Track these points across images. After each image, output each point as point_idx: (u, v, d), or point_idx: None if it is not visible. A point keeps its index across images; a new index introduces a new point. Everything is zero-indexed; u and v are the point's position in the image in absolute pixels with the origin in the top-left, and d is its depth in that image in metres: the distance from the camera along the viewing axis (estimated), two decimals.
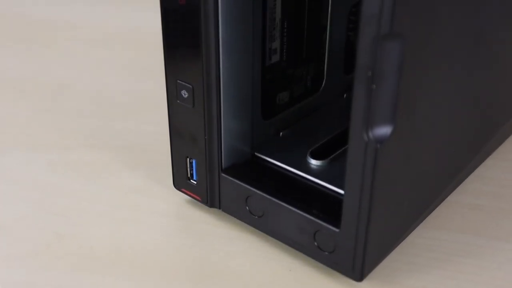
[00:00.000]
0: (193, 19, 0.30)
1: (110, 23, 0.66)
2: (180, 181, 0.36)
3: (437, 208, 0.37)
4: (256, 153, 0.35)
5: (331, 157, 0.35)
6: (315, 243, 0.31)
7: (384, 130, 0.26)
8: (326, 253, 0.31)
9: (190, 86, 0.32)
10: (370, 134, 0.25)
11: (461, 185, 0.39)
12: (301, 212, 0.31)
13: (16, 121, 0.47)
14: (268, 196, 0.32)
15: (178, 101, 0.33)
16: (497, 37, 0.34)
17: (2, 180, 0.40)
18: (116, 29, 0.64)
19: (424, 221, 0.36)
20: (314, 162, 0.34)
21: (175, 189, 0.37)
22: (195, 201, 0.36)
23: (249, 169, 0.34)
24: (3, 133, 0.46)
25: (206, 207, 0.36)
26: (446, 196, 0.38)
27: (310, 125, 0.38)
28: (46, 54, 0.59)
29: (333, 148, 0.35)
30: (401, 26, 0.23)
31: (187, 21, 0.30)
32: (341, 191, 0.31)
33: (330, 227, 0.30)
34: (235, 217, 0.35)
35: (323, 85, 0.40)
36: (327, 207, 0.31)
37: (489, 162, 0.41)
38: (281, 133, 0.37)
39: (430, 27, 0.26)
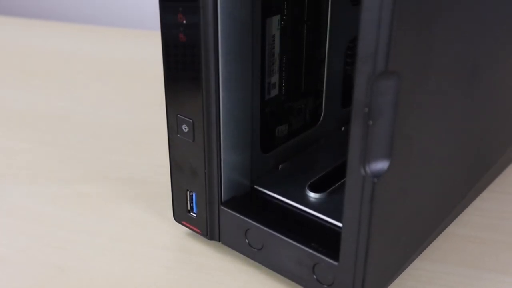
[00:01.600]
0: (194, 55, 0.31)
1: (110, 56, 0.67)
2: (180, 214, 0.37)
3: (435, 241, 0.37)
4: (255, 186, 0.36)
5: (329, 190, 0.35)
6: (314, 276, 0.31)
7: (380, 165, 0.26)
8: (325, 286, 0.31)
9: (191, 121, 0.32)
10: (367, 169, 0.26)
11: (459, 217, 0.39)
12: (300, 245, 0.31)
13: (16, 153, 0.48)
14: (267, 229, 0.32)
15: (178, 135, 0.34)
16: (492, 74, 0.35)
17: (2, 212, 0.41)
18: (116, 61, 0.65)
19: (423, 253, 0.36)
20: (312, 195, 0.35)
21: (175, 221, 0.37)
22: (195, 233, 0.37)
23: (248, 202, 0.35)
24: (3, 165, 0.46)
25: (206, 240, 0.36)
26: (444, 229, 0.38)
27: (309, 158, 0.39)
28: (46, 86, 0.60)
29: (332, 181, 0.36)
30: (396, 64, 0.24)
31: (187, 57, 0.31)
32: (340, 224, 0.31)
33: (329, 260, 0.30)
34: (235, 249, 0.35)
35: (321, 118, 0.40)
36: (326, 240, 0.31)
37: (486, 194, 0.42)
38: (280, 166, 0.38)
39: (425, 64, 0.27)
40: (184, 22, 0.30)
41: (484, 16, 0.31)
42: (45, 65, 0.65)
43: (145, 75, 0.61)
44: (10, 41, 0.71)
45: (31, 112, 0.54)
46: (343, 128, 0.42)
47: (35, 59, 0.66)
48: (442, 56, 0.28)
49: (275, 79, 0.36)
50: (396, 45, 0.24)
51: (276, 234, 0.32)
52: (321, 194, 0.35)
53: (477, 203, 0.41)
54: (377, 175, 0.26)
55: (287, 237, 0.32)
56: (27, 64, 0.65)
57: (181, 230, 0.38)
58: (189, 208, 0.36)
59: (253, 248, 0.34)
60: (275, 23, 0.35)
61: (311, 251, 0.31)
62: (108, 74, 0.62)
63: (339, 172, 0.36)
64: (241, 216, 0.33)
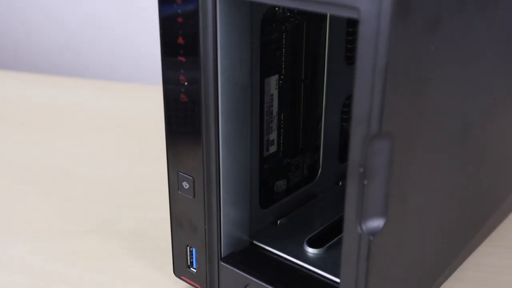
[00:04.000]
0: (194, 115, 0.32)
1: (110, 110, 0.68)
2: (180, 269, 0.37)
3: None
4: (254, 241, 0.36)
5: (327, 245, 0.35)
6: None
7: (376, 223, 0.27)
8: None
9: (191, 178, 0.33)
10: (363, 227, 0.26)
11: (456, 272, 0.39)
12: None
13: (18, 208, 0.48)
14: (266, 285, 0.33)
15: (179, 192, 0.34)
16: (485, 128, 0.36)
17: (5, 269, 0.41)
18: (117, 115, 0.67)
19: None
20: (311, 251, 0.35)
21: (175, 277, 0.38)
22: None
23: (247, 258, 0.35)
24: (4, 220, 0.47)
25: None
26: (441, 284, 0.38)
27: (307, 213, 0.39)
28: (47, 139, 0.61)
29: (330, 236, 0.36)
30: (390, 126, 0.25)
31: (188, 117, 0.32)
32: (338, 280, 0.32)
33: None
34: None
35: (319, 173, 0.41)
36: None
37: (482, 248, 0.42)
38: (278, 221, 0.38)
39: (418, 125, 0.28)
40: (186, 83, 0.31)
41: (475, 75, 0.32)
42: (46, 118, 0.66)
43: (145, 128, 0.62)
44: (10, 95, 0.73)
45: (32, 165, 0.55)
46: (340, 183, 0.43)
47: (35, 113, 0.67)
48: (434, 116, 0.29)
49: (273, 136, 0.37)
50: (389, 108, 0.25)
51: None
52: (319, 249, 0.35)
53: (473, 258, 0.41)
54: (373, 233, 0.27)
55: None
56: (27, 117, 0.66)
57: (181, 285, 0.38)
58: (189, 264, 0.36)
59: None
60: (273, 83, 0.36)
61: None
62: (108, 127, 0.63)
63: (336, 227, 0.37)
64: (241, 272, 0.34)
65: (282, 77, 0.36)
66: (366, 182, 0.26)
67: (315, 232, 0.37)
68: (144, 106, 0.68)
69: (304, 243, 0.36)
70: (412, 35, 0.25)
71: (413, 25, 0.24)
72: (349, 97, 0.41)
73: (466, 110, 0.33)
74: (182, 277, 0.37)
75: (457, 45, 0.29)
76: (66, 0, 0.89)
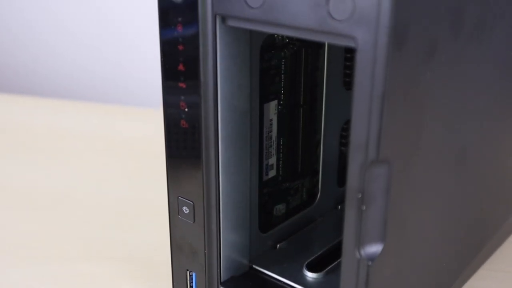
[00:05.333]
0: (195, 141, 0.32)
1: (110, 133, 0.69)
2: None
3: None
4: (254, 266, 0.37)
5: (326, 269, 0.36)
6: None
7: (375, 248, 0.27)
8: None
9: (191, 203, 0.34)
10: (362, 252, 0.27)
11: None
12: None
13: (17, 231, 0.48)
14: None
15: (179, 216, 0.35)
16: (482, 152, 0.36)
17: None
18: (117, 139, 0.67)
19: None
20: (310, 275, 0.35)
21: None
22: None
23: (247, 282, 0.35)
24: (3, 244, 0.47)
25: None
26: None
27: (306, 237, 0.40)
28: (45, 163, 0.61)
29: (329, 260, 0.36)
30: (387, 153, 0.25)
31: (189, 142, 0.32)
32: None
33: None
34: None
35: (318, 197, 0.41)
36: None
37: (481, 272, 0.42)
38: (278, 246, 0.38)
39: (415, 151, 0.28)
40: (186, 109, 0.32)
41: (471, 100, 0.33)
42: (45, 142, 0.66)
43: (144, 152, 0.63)
44: (10, 118, 0.73)
45: (29, 188, 0.55)
46: (339, 206, 0.43)
47: (35, 136, 0.67)
48: (432, 141, 0.29)
49: (272, 160, 0.38)
50: (386, 135, 0.25)
51: None
52: (319, 274, 0.35)
53: (472, 282, 0.41)
54: (372, 258, 0.27)
55: None
56: (28, 141, 0.66)
57: None
58: None
59: None
60: (272, 108, 0.36)
61: None
62: (108, 151, 0.64)
63: (336, 252, 0.37)
64: None
65: (281, 102, 0.37)
66: (364, 207, 0.26)
67: (315, 256, 0.37)
68: (143, 129, 0.69)
69: (304, 267, 0.36)
70: (408, 63, 0.25)
71: (409, 53, 0.25)
72: (348, 122, 0.42)
73: (463, 134, 0.33)
74: None
75: (453, 72, 0.29)
76: (60, 25, 0.90)
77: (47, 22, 0.91)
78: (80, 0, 0.87)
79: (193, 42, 0.30)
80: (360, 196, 0.26)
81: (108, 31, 0.88)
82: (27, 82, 0.95)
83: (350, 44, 0.24)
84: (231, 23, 0.29)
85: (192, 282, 0.36)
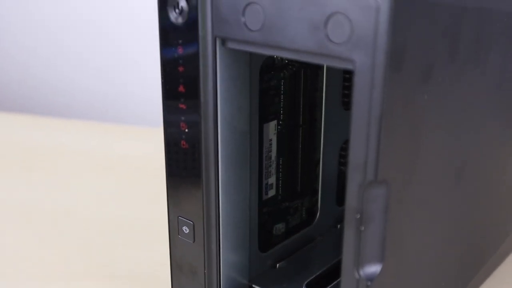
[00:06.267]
0: (195, 161, 0.32)
1: (109, 152, 0.69)
2: None
3: None
4: (253, 285, 0.37)
5: None
6: None
7: (374, 268, 0.27)
8: None
9: (191, 223, 0.34)
10: (361, 272, 0.27)
11: None
12: None
13: (19, 250, 0.48)
14: None
15: (179, 236, 0.35)
16: (481, 169, 0.36)
17: None
18: (116, 157, 0.67)
19: None
20: None
21: None
22: None
23: None
24: (5, 263, 0.47)
25: None
26: None
27: (306, 257, 0.40)
28: (46, 181, 0.61)
29: (328, 280, 0.37)
30: (385, 173, 0.26)
31: (189, 163, 0.33)
32: None
33: None
34: None
35: (317, 216, 0.42)
36: None
37: None
38: (277, 265, 0.38)
39: (413, 170, 0.28)
40: (186, 130, 0.32)
41: (469, 120, 0.33)
42: (45, 160, 0.66)
43: (145, 171, 0.63)
44: (9, 136, 0.74)
45: (30, 207, 0.55)
46: (338, 225, 0.43)
47: (34, 155, 0.68)
48: (430, 161, 0.30)
49: (272, 180, 0.38)
50: (385, 156, 0.25)
51: None
52: None
53: None
54: (371, 278, 0.27)
55: None
56: (26, 159, 0.67)
57: None
58: None
59: None
60: (272, 128, 0.37)
61: None
62: (107, 170, 0.64)
63: (335, 271, 0.37)
64: None
65: (280, 122, 0.37)
66: (363, 228, 0.26)
67: (314, 276, 0.37)
68: (143, 148, 0.69)
69: (303, 287, 0.36)
70: (406, 85, 0.26)
71: (406, 75, 0.25)
72: (346, 141, 0.42)
73: (461, 153, 0.33)
74: None
75: (450, 92, 0.30)
76: (59, 44, 0.90)
77: (46, 41, 0.91)
78: (80, 19, 0.88)
79: (193, 63, 0.30)
80: (358, 217, 0.26)
81: (108, 50, 0.89)
82: (25, 100, 0.96)
83: (348, 66, 0.25)
84: (231, 45, 0.29)
85: None
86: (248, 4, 0.27)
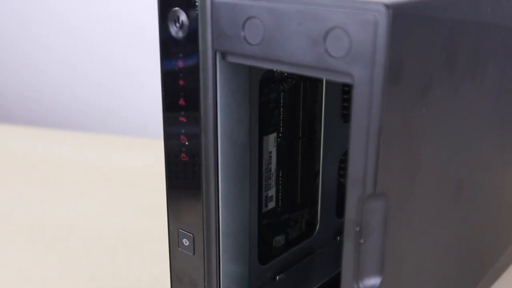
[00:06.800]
0: (195, 174, 0.32)
1: (110, 163, 0.69)
2: None
3: None
4: None
5: None
6: None
7: (373, 281, 0.27)
8: None
9: (191, 235, 0.34)
10: (360, 285, 0.27)
11: None
12: None
13: (21, 264, 0.48)
14: None
15: (179, 249, 0.35)
16: (479, 182, 0.37)
17: None
18: (117, 168, 0.67)
19: None
20: None
21: None
22: None
23: None
24: (7, 278, 0.47)
25: None
26: None
27: (306, 269, 0.40)
28: (47, 194, 0.61)
29: None
30: (384, 186, 0.26)
31: (189, 175, 0.33)
32: None
33: None
34: None
35: (317, 228, 0.42)
36: None
37: None
38: (277, 277, 0.38)
39: (412, 184, 0.28)
40: (186, 143, 0.32)
41: (467, 134, 0.33)
42: (44, 173, 0.66)
43: (146, 183, 0.63)
44: (9, 149, 0.74)
45: (31, 219, 0.55)
46: (338, 237, 0.43)
47: (34, 167, 0.68)
48: (428, 174, 0.30)
49: (272, 192, 0.38)
50: (384, 169, 0.25)
51: None
52: None
53: None
54: None
55: None
56: (26, 172, 0.67)
57: None
58: None
59: None
60: (271, 141, 0.37)
61: None
62: (109, 181, 0.64)
63: (334, 284, 0.37)
64: None
65: (280, 135, 0.37)
66: (362, 241, 0.26)
67: None
68: (143, 160, 0.69)
69: None
70: (404, 99, 0.26)
71: (404, 89, 0.26)
72: (346, 153, 0.42)
73: (460, 167, 0.33)
74: None
75: (448, 107, 0.30)
76: (59, 56, 0.91)
77: (46, 53, 0.92)
78: (79, 31, 0.89)
79: (193, 77, 0.31)
80: (358, 229, 0.26)
81: (108, 62, 0.89)
82: (25, 112, 0.96)
83: (347, 80, 0.25)
84: (231, 59, 0.29)
85: None
86: (248, 19, 0.27)
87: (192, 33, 0.30)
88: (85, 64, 0.90)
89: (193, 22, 0.29)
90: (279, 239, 0.39)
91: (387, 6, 0.23)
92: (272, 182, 0.38)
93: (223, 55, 0.30)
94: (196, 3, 0.29)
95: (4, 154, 0.72)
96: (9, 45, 0.94)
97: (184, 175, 0.33)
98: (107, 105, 0.90)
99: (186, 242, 0.34)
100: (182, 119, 0.32)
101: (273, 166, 0.37)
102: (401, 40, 0.24)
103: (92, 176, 0.65)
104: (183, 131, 0.32)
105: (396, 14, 0.24)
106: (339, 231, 0.43)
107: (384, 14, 0.23)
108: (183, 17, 0.30)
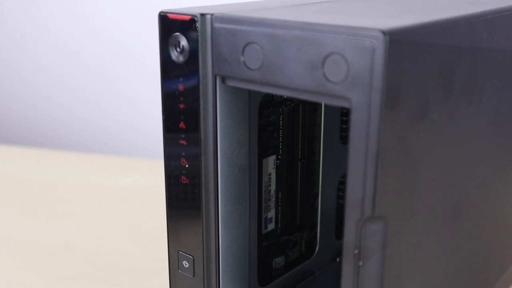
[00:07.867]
0: (195, 196, 0.33)
1: (109, 185, 0.69)
2: None
3: None
4: None
5: None
6: None
7: None
8: None
9: (191, 257, 0.34)
10: None
11: None
12: None
13: (20, 285, 0.48)
14: None
15: (179, 271, 0.35)
16: (478, 203, 0.37)
17: None
18: (116, 191, 0.67)
19: None
20: None
21: None
22: None
23: None
24: None
25: None
26: None
27: None
28: (47, 215, 0.61)
29: None
30: (382, 209, 0.26)
31: (189, 198, 0.33)
32: None
33: None
34: None
35: (316, 250, 0.42)
36: None
37: None
38: None
39: (410, 206, 0.29)
40: (187, 166, 0.32)
41: (465, 155, 0.34)
42: (45, 193, 0.67)
43: (147, 204, 0.63)
44: (13, 170, 0.74)
45: (33, 241, 0.55)
46: (337, 259, 0.43)
47: (35, 188, 0.68)
48: (427, 196, 0.30)
49: (271, 214, 0.38)
50: (382, 192, 0.26)
51: None
52: None
53: None
54: None
55: None
56: (27, 192, 0.67)
57: None
58: None
59: None
60: (271, 163, 0.37)
61: None
62: (108, 202, 0.64)
63: None
64: None
65: (279, 157, 0.38)
66: (361, 263, 0.26)
67: None
68: (143, 180, 0.69)
69: None
70: (401, 123, 0.26)
71: (402, 113, 0.26)
72: (345, 175, 0.42)
73: (458, 188, 0.34)
74: None
75: (446, 130, 0.30)
76: (60, 78, 0.91)
77: (46, 74, 0.92)
78: (81, 52, 0.89)
79: (193, 100, 0.31)
80: (356, 252, 0.26)
81: (109, 84, 0.90)
82: (26, 133, 0.96)
83: (345, 105, 0.26)
84: (231, 83, 0.30)
85: None
86: (247, 44, 0.28)
87: (192, 58, 0.30)
88: (85, 84, 0.91)
89: (194, 47, 0.30)
90: (279, 261, 0.40)
91: (384, 33, 0.24)
92: (272, 203, 0.38)
93: (223, 79, 0.30)
94: (197, 28, 0.30)
95: (4, 175, 0.72)
96: (8, 65, 0.95)
97: (184, 197, 0.33)
98: (108, 125, 0.91)
99: (186, 264, 0.34)
100: (182, 141, 0.32)
101: (273, 187, 0.38)
102: (398, 65, 0.25)
103: (94, 197, 0.66)
104: (183, 153, 0.32)
105: (392, 40, 0.24)
106: (339, 253, 0.43)
107: (381, 40, 0.24)
108: (183, 42, 0.30)
